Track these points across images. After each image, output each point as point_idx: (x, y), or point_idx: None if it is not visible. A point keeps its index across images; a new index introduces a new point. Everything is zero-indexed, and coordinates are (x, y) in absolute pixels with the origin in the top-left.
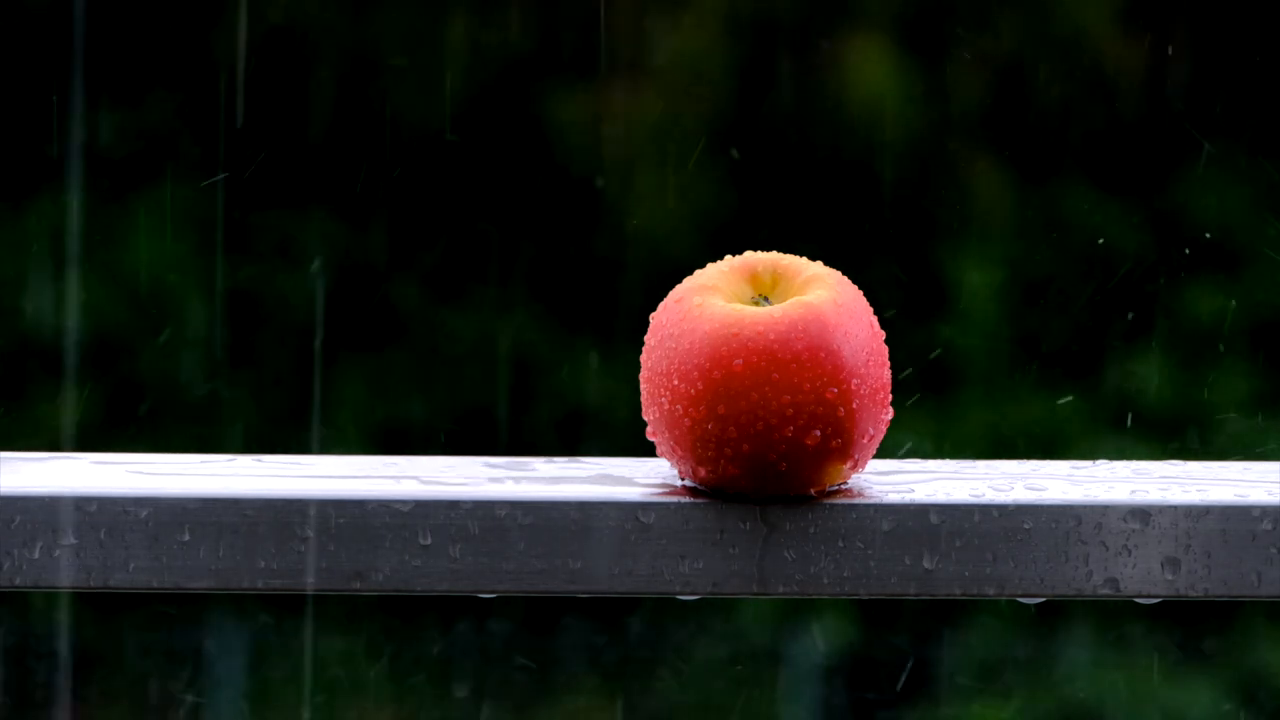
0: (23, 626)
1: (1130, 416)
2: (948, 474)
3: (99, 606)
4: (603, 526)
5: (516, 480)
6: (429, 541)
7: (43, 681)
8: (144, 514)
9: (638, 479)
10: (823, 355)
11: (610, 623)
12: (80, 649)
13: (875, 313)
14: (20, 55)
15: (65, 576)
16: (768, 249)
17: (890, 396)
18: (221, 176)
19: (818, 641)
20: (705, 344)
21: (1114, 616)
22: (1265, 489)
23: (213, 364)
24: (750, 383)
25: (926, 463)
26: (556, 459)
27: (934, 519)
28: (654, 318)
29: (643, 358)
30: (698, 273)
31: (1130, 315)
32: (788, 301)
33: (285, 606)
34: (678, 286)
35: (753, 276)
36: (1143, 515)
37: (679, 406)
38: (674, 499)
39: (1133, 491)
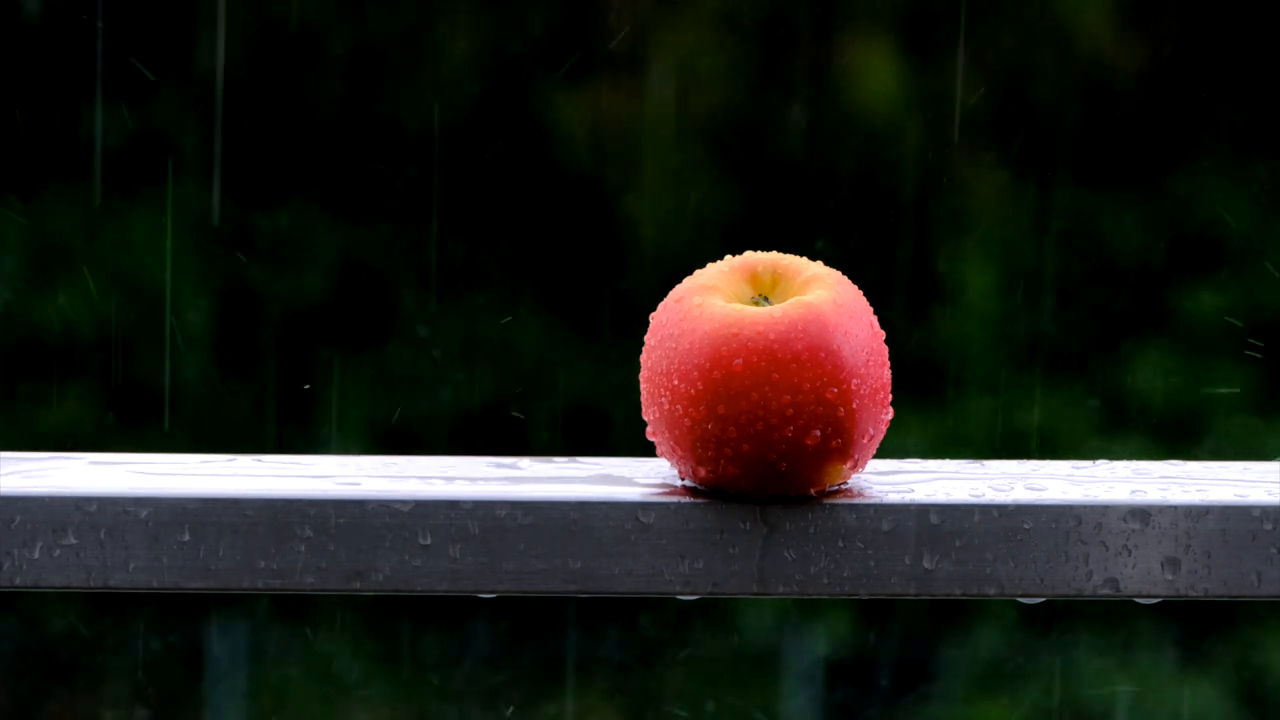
0: (23, 627)
1: (1130, 416)
2: (948, 474)
3: (99, 606)
4: (603, 526)
5: (516, 480)
6: (429, 541)
7: (42, 681)
8: (144, 514)
9: (638, 479)
10: (823, 355)
11: (610, 623)
12: (80, 649)
13: (875, 313)
14: (20, 55)
15: (65, 576)
16: (768, 249)
17: (890, 396)
18: (221, 177)
19: (818, 641)
20: (705, 344)
21: (1115, 617)
22: (1265, 489)
23: (213, 364)
24: (750, 383)
25: (926, 463)
26: (556, 459)
27: (934, 519)
28: (654, 318)
29: (643, 358)
30: (698, 273)
31: (1130, 315)
32: (788, 301)
33: (286, 606)
34: (678, 286)
35: (753, 276)
36: (1143, 515)
37: (679, 406)
38: (674, 499)
39: (1133, 491)
